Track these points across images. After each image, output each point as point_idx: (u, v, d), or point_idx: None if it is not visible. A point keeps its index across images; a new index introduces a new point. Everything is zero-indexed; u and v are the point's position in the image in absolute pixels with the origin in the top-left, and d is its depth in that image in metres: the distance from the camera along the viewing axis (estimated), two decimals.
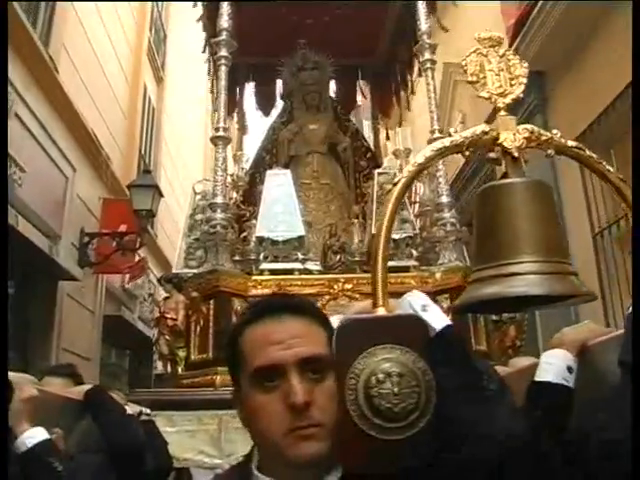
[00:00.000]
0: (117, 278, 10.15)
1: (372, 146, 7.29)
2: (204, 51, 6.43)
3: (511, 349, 4.65)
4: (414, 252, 4.95)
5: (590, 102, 6.05)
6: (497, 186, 1.42)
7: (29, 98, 6.97)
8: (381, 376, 1.09)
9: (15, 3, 6.49)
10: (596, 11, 5.83)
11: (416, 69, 6.51)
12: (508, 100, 1.47)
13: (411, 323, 1.17)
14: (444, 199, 5.02)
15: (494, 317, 4.61)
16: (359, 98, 7.92)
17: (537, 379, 1.33)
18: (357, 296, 4.56)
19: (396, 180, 1.34)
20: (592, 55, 6.12)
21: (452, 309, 1.62)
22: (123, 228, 8.84)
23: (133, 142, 11.64)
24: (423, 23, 5.37)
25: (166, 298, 4.68)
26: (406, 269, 4.76)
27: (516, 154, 1.39)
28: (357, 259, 5.10)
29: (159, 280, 5.76)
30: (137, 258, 9.20)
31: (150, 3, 12.87)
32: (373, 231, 4.95)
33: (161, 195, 8.93)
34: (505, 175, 1.41)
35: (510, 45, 6.87)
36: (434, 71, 5.27)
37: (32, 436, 2.20)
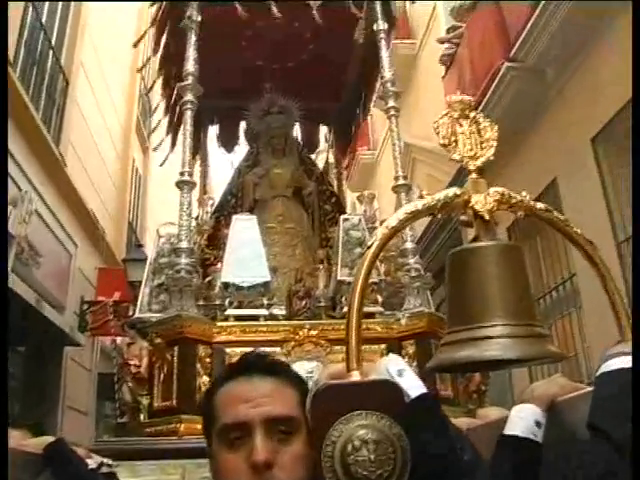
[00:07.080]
0: (110, 339, 10.82)
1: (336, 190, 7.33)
2: (148, 92, 6.40)
3: (476, 394, 4.66)
4: (379, 297, 4.94)
5: (533, 183, 6.86)
6: (469, 249, 1.43)
7: (44, 192, 8.00)
8: (357, 443, 1.09)
9: (34, 111, 7.50)
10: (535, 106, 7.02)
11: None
12: (479, 163, 1.48)
13: (387, 389, 1.17)
14: (408, 245, 5.02)
15: None
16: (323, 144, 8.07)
17: (506, 432, 1.34)
18: (322, 342, 4.54)
19: (369, 243, 1.35)
20: (531, 142, 7.27)
21: (426, 370, 1.63)
22: (117, 296, 9.99)
23: (123, 211, 12.93)
24: (387, 71, 5.45)
25: (129, 344, 4.59)
26: (371, 315, 4.76)
27: (487, 217, 1.40)
28: (322, 304, 5.06)
29: (122, 326, 5.67)
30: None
31: (138, 78, 13.03)
32: (339, 277, 4.95)
33: None
34: (476, 238, 1.43)
35: None
36: (398, 118, 5.32)
37: None
